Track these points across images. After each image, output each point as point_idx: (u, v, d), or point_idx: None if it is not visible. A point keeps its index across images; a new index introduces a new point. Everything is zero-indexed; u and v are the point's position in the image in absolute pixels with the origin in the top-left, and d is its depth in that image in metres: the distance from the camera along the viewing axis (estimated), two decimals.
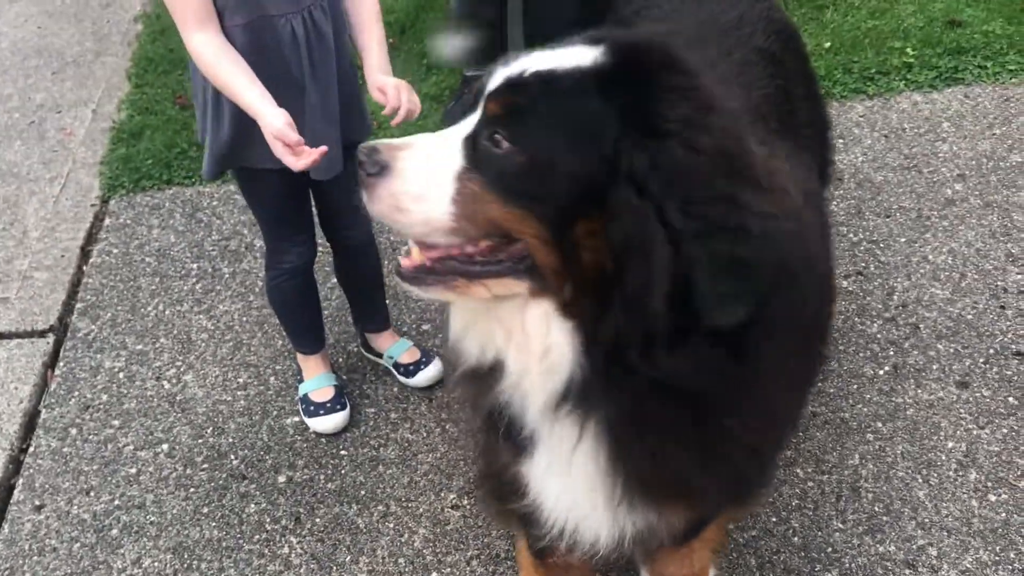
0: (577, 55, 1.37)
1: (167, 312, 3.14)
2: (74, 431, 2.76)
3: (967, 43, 4.14)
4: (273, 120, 2.00)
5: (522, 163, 1.33)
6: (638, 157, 1.26)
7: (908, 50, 4.13)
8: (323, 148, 2.02)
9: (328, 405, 2.70)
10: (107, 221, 3.54)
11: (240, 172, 2.34)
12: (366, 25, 2.24)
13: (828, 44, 4.20)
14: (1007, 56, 4.06)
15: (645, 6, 2.24)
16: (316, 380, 2.74)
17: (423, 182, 1.39)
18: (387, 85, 2.12)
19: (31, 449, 2.73)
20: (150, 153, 3.79)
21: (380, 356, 2.87)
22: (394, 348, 2.84)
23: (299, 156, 2.00)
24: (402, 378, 2.83)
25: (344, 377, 2.86)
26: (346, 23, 2.24)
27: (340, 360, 2.93)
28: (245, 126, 2.06)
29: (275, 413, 2.78)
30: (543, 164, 1.32)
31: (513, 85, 1.37)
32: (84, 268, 3.34)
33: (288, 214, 2.43)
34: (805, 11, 4.47)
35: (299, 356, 2.78)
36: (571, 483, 1.58)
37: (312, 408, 2.70)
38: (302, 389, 2.75)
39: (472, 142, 1.39)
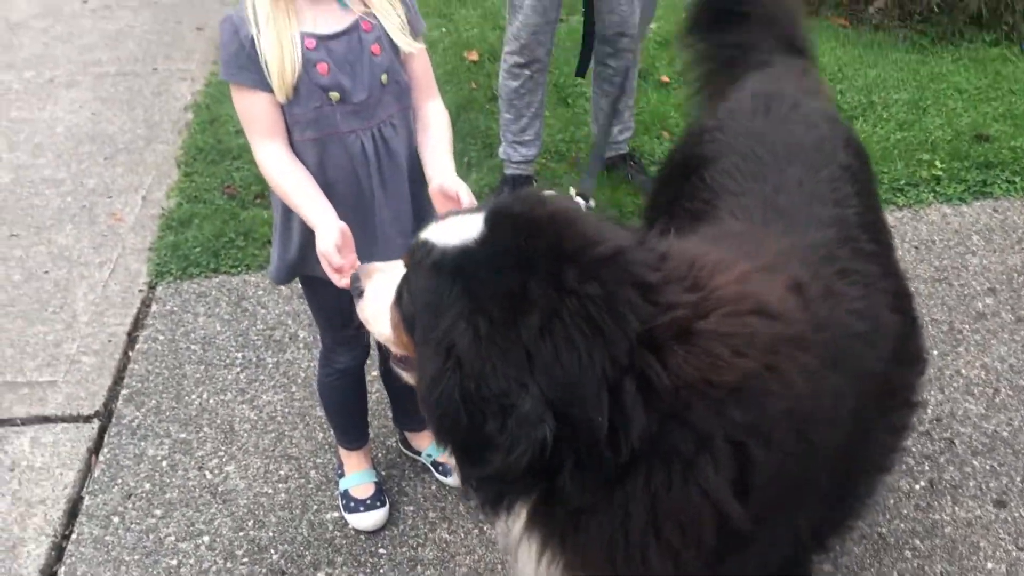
0: (468, 227, 1.55)
1: (211, 401, 3.19)
2: (116, 519, 2.79)
3: (995, 157, 4.25)
4: (323, 239, 2.06)
5: (411, 312, 1.60)
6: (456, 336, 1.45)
7: (937, 163, 4.25)
8: None
9: (368, 502, 2.73)
10: (154, 307, 3.62)
11: (305, 278, 2.42)
12: (438, 134, 2.29)
13: None
14: None
15: (729, 129, 2.32)
16: (358, 476, 2.78)
17: (374, 308, 1.79)
18: (461, 190, 2.13)
19: (74, 536, 2.75)
20: (198, 241, 3.89)
21: (419, 454, 2.91)
22: (433, 446, 2.87)
23: (343, 275, 2.07)
24: (440, 476, 2.86)
25: (383, 473, 2.89)
26: (413, 130, 2.31)
27: (379, 455, 2.97)
28: (313, 237, 2.13)
29: (315, 507, 2.81)
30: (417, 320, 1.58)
31: (413, 248, 1.64)
32: (130, 354, 3.41)
33: (348, 321, 2.49)
34: None
35: (341, 451, 2.82)
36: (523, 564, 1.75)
37: (352, 504, 2.73)
38: (343, 484, 2.78)
39: (403, 281, 1.68)
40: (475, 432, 1.42)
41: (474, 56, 5.24)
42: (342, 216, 2.12)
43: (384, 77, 2.18)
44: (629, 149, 4.28)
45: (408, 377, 1.81)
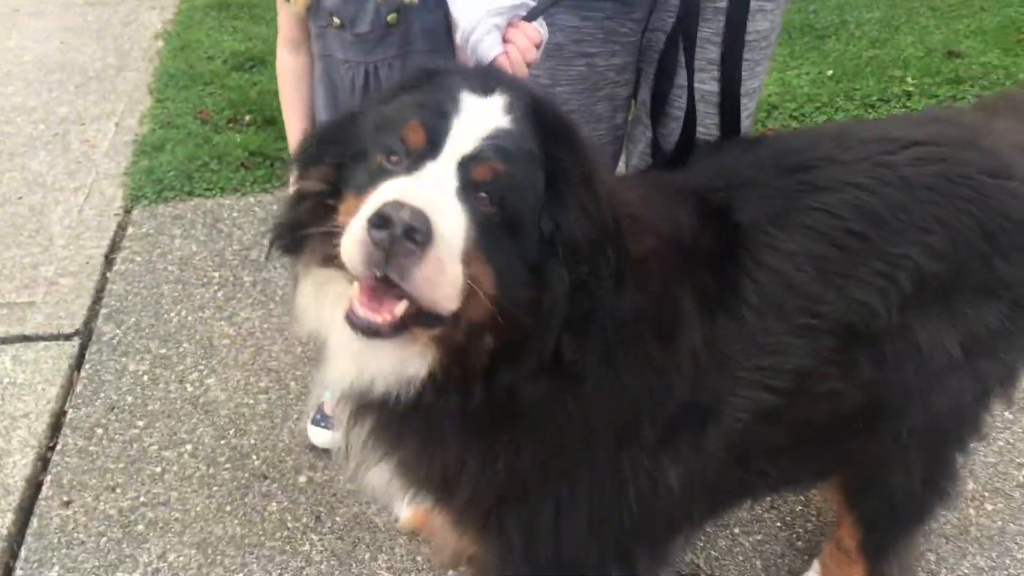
0: (498, 110, 1.42)
1: (189, 318, 3.23)
2: (100, 431, 2.84)
3: (965, 73, 4.29)
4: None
5: (501, 225, 1.37)
6: (549, 222, 1.39)
7: (908, 79, 4.28)
8: None
9: (332, 419, 2.77)
10: (130, 230, 3.64)
11: None
12: None
13: (831, 72, 4.34)
14: (1003, 86, 4.20)
15: None
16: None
17: (455, 245, 1.32)
18: None
19: (58, 447, 2.80)
20: (172, 165, 3.90)
21: None
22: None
23: None
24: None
25: None
26: None
27: None
28: None
29: (296, 416, 2.87)
30: (516, 226, 1.38)
31: (490, 150, 1.37)
32: (108, 275, 3.43)
33: None
34: (807, 40, 4.62)
35: None
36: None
37: (319, 417, 2.78)
38: (325, 395, 2.83)
39: (464, 202, 1.35)
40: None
41: None
42: None
43: (392, 17, 2.12)
44: None
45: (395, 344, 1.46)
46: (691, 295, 1.63)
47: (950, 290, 1.70)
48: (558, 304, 1.39)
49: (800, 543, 2.45)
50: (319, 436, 2.76)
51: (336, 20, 2.12)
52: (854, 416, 1.79)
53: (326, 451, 2.73)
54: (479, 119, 1.40)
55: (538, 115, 1.45)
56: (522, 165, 1.38)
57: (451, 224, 1.31)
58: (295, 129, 2.30)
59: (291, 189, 1.65)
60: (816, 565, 2.33)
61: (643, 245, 1.53)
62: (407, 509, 2.41)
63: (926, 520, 2.16)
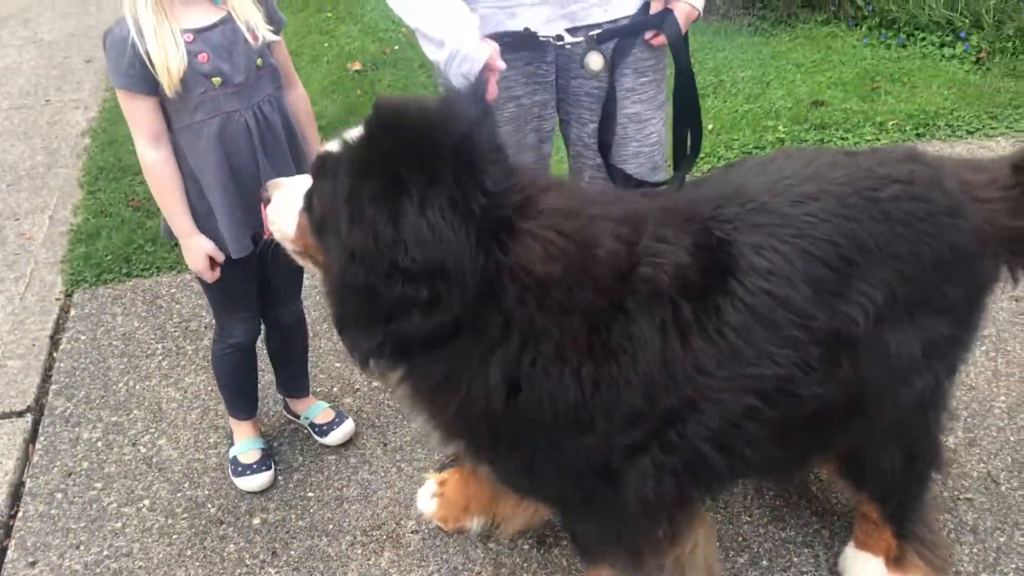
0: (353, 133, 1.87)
1: (137, 387, 3.43)
2: (59, 495, 3.01)
3: (829, 119, 4.81)
4: (195, 256, 2.60)
5: (320, 214, 1.88)
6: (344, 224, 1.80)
7: (780, 127, 4.78)
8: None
9: (254, 466, 2.99)
10: (73, 312, 3.84)
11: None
12: (305, 119, 2.71)
13: (711, 126, 4.81)
14: (863, 128, 4.73)
15: None
16: (245, 444, 3.05)
17: (279, 212, 2.06)
18: None
19: (20, 514, 2.96)
20: (108, 250, 4.12)
21: (298, 417, 3.21)
22: (310, 410, 3.17)
23: (213, 275, 2.64)
24: (317, 437, 3.14)
25: (306, 428, 3.19)
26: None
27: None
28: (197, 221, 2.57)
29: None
30: (325, 220, 1.86)
31: (318, 159, 1.94)
32: (55, 354, 3.61)
33: (233, 296, 2.78)
34: None
35: (232, 421, 3.08)
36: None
37: (240, 469, 3.00)
38: (232, 452, 3.05)
39: (309, 194, 1.96)
40: (373, 300, 1.75)
41: (357, 66, 5.58)
42: (231, 186, 2.51)
43: (259, 61, 2.50)
44: None
45: (304, 263, 2.12)
46: (652, 323, 1.87)
47: (914, 306, 2.04)
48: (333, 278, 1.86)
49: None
50: (250, 482, 2.99)
51: (216, 80, 2.43)
52: (831, 410, 2.07)
53: (282, 491, 2.95)
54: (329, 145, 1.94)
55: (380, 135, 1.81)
56: (324, 175, 1.87)
57: (280, 198, 2.07)
58: (179, 216, 2.54)
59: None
60: (852, 541, 2.57)
61: (548, 268, 1.76)
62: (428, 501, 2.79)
63: (926, 487, 2.43)
